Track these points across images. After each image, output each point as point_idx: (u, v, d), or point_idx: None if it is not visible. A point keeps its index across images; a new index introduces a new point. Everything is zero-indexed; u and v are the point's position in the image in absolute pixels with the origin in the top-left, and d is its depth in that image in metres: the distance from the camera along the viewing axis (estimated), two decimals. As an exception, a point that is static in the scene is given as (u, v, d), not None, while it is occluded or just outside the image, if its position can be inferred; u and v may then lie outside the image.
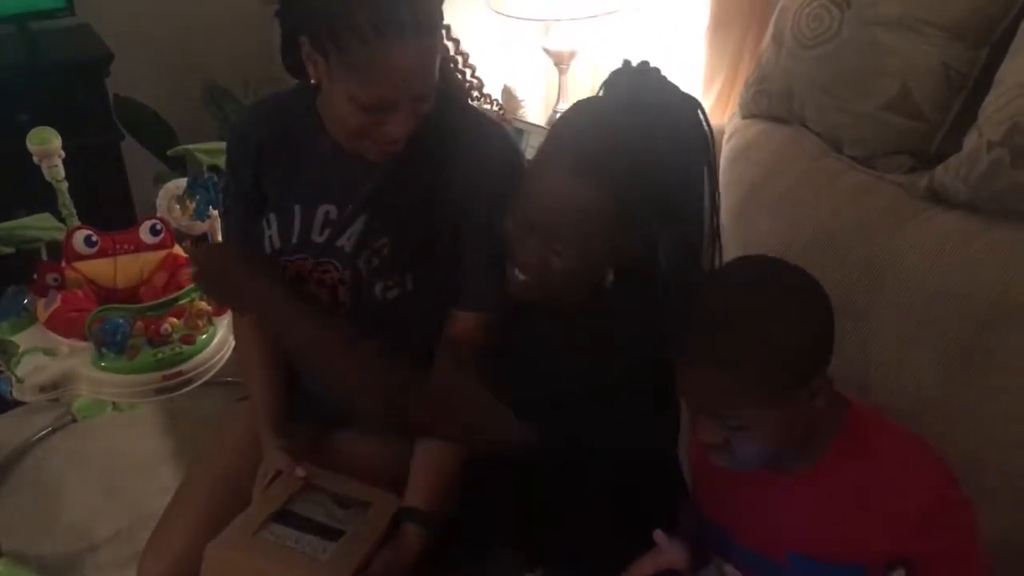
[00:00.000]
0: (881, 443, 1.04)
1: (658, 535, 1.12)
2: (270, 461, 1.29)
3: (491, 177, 1.18)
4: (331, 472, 1.30)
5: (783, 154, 1.60)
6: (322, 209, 1.27)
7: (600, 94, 1.15)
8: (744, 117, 1.79)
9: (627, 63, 1.14)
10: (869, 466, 1.02)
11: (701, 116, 1.14)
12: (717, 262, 1.20)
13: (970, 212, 1.31)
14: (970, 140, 1.31)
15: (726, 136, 1.81)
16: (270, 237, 1.30)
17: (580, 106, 1.17)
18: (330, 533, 1.19)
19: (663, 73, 1.13)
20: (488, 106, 1.36)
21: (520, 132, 2.23)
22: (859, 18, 1.47)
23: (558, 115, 2.26)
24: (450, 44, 1.27)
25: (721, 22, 1.99)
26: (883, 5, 1.44)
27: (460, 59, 1.29)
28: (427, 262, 1.24)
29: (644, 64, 1.14)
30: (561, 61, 2.26)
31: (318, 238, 1.28)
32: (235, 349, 1.48)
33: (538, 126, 2.19)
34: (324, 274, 1.29)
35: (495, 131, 1.26)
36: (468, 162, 1.20)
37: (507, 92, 2.41)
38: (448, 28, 1.24)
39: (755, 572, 1.12)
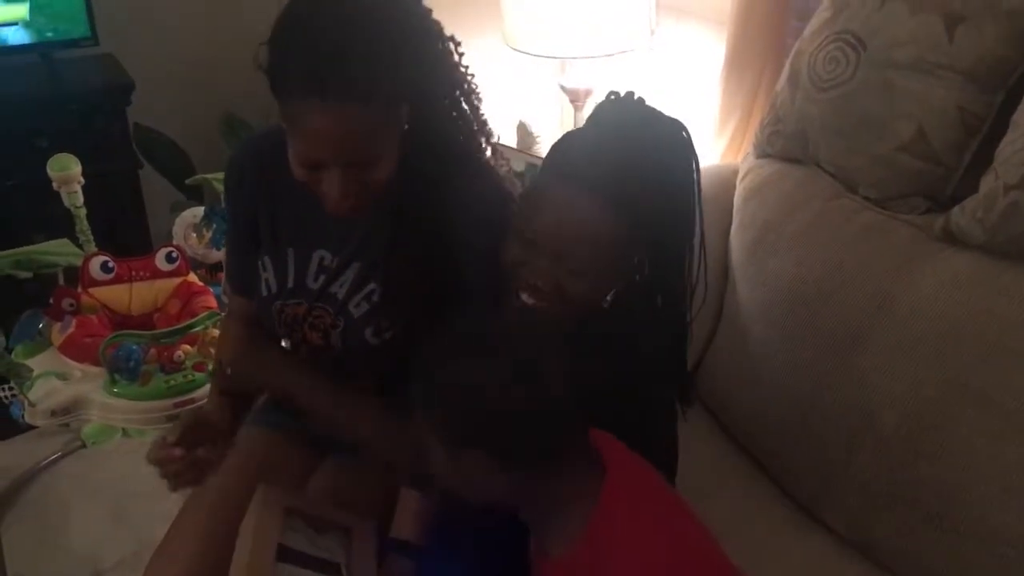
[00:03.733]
0: (634, 523, 0.94)
1: None
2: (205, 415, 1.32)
3: (482, 232, 1.17)
4: (302, 492, 1.31)
5: (797, 194, 1.61)
6: (317, 255, 1.29)
7: (590, 124, 1.17)
8: (758, 157, 1.80)
9: (613, 94, 1.17)
10: (620, 557, 0.91)
11: (686, 136, 1.17)
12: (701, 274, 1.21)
13: (986, 254, 1.31)
14: (986, 183, 1.31)
15: (740, 175, 1.82)
16: (266, 280, 1.31)
17: (576, 135, 1.18)
18: (328, 568, 1.18)
19: (646, 102, 1.17)
20: (495, 157, 1.32)
21: (534, 168, 2.25)
22: (874, 61, 1.48)
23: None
24: (459, 92, 1.24)
25: (736, 63, 2.01)
26: (898, 49, 1.45)
27: (467, 109, 1.25)
28: (419, 307, 1.24)
29: (629, 94, 1.17)
30: (577, 99, 2.28)
31: (313, 284, 1.29)
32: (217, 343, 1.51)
33: (553, 162, 2.20)
34: (317, 319, 1.30)
35: (489, 185, 1.25)
36: (457, 211, 1.19)
37: (522, 128, 2.43)
38: (462, 76, 1.23)
39: None
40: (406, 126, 1.14)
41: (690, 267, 1.19)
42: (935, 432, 1.25)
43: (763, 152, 1.77)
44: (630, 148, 1.10)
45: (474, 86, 1.26)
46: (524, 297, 1.15)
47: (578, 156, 1.13)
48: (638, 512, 0.96)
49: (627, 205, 1.08)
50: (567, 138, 1.18)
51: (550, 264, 1.11)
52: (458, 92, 1.23)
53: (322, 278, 1.29)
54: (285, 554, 1.18)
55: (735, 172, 1.85)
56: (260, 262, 1.32)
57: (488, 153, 1.29)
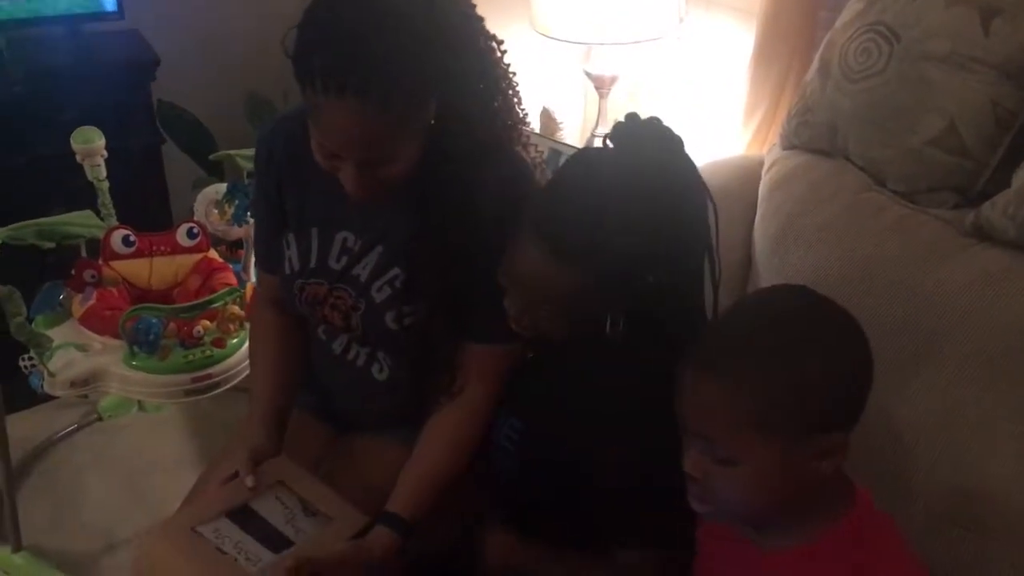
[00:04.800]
0: (884, 548, 0.94)
1: None
2: (236, 458, 1.27)
3: (504, 222, 1.16)
4: (309, 475, 1.30)
5: (824, 186, 1.59)
6: (340, 235, 1.29)
7: (609, 145, 1.14)
8: (784, 148, 1.78)
9: (632, 116, 1.13)
10: (864, 569, 0.92)
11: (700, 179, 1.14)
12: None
13: (1016, 250, 1.29)
14: (1019, 178, 1.30)
15: (765, 167, 1.80)
16: (289, 258, 1.32)
17: (578, 167, 1.15)
18: (277, 542, 1.18)
19: (666, 126, 1.12)
20: (528, 148, 1.31)
21: (558, 154, 2.24)
22: (908, 53, 1.46)
23: (597, 139, 2.29)
24: (501, 82, 1.24)
25: (765, 53, 1.99)
26: (933, 41, 1.43)
27: (501, 102, 1.24)
28: (441, 294, 1.24)
29: (652, 119, 1.12)
30: (602, 85, 2.26)
31: (335, 265, 1.29)
32: (248, 348, 1.49)
33: (575, 148, 2.20)
34: (338, 300, 1.30)
35: (516, 175, 1.24)
36: (482, 203, 1.19)
37: (546, 114, 2.42)
38: (501, 72, 1.23)
39: None
40: (432, 121, 1.14)
41: (699, 297, 1.17)
42: (958, 430, 1.23)
43: (790, 143, 1.75)
44: (625, 191, 1.07)
45: (514, 83, 1.26)
46: (510, 320, 1.17)
47: (539, 202, 1.12)
48: (888, 530, 0.97)
49: (595, 266, 1.07)
50: (567, 169, 1.16)
51: (523, 303, 1.14)
52: (493, 88, 1.22)
53: (344, 259, 1.29)
54: (242, 515, 1.19)
55: (760, 163, 1.83)
56: (285, 240, 1.32)
57: (521, 143, 1.28)
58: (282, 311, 1.41)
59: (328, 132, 1.09)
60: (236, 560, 1.13)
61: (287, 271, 1.32)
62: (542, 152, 1.34)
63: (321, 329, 1.39)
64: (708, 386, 0.91)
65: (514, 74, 1.25)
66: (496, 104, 1.23)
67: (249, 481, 1.22)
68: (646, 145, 1.10)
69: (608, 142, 1.13)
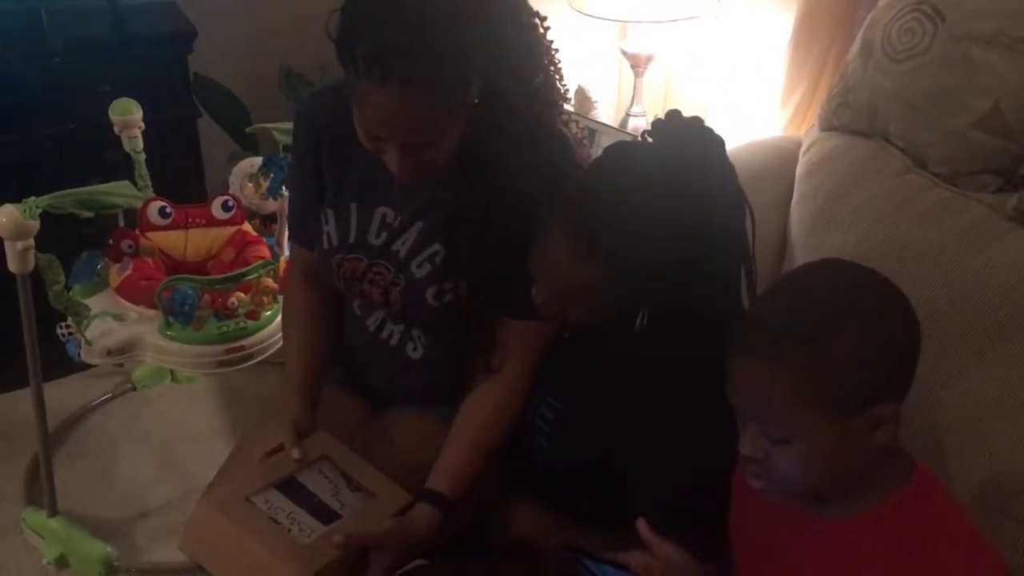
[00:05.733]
0: (941, 521, 0.94)
1: (642, 527, 1.04)
2: (278, 431, 1.28)
3: (547, 199, 1.15)
4: (352, 452, 1.31)
5: (863, 168, 1.58)
6: (379, 211, 1.29)
7: (649, 140, 1.12)
8: (823, 130, 1.76)
9: (674, 112, 1.12)
10: (920, 540, 0.92)
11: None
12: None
13: (1060, 235, 1.28)
14: (1064, 162, 1.28)
15: (803, 148, 1.79)
16: (328, 233, 1.32)
17: (613, 163, 1.13)
18: (326, 514, 1.19)
19: (708, 127, 1.10)
20: (569, 124, 1.31)
21: (592, 132, 2.23)
22: (953, 33, 1.44)
23: (632, 118, 2.28)
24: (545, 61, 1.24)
25: (805, 33, 1.97)
26: (978, 21, 1.41)
27: (543, 81, 1.24)
28: (482, 270, 1.25)
29: (695, 119, 1.11)
30: (638, 64, 2.25)
31: (375, 240, 1.29)
32: (282, 323, 1.49)
33: (610, 127, 2.19)
34: (377, 275, 1.30)
35: (559, 152, 1.23)
36: (524, 179, 1.19)
37: (580, 92, 2.41)
38: (544, 49, 1.22)
39: None
40: (475, 100, 1.14)
41: (734, 291, 1.15)
42: (998, 415, 1.22)
43: (829, 124, 1.74)
44: (658, 188, 1.06)
45: (556, 60, 1.25)
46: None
47: (580, 206, 1.10)
48: (948, 495, 0.98)
49: (619, 265, 1.07)
50: (601, 165, 1.15)
51: (549, 293, 1.14)
52: (535, 65, 1.22)
53: (384, 235, 1.29)
54: (288, 485, 1.20)
55: (798, 145, 1.82)
56: (323, 214, 1.32)
57: (563, 120, 1.28)
58: (316, 286, 1.42)
59: (372, 116, 1.10)
60: (289, 531, 1.15)
61: (325, 246, 1.33)
62: (583, 129, 1.34)
63: (356, 305, 1.40)
64: (754, 368, 0.91)
65: (556, 51, 1.25)
66: (537, 81, 1.23)
67: (296, 453, 1.23)
68: (686, 145, 1.08)
69: (647, 138, 1.12)
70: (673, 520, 1.07)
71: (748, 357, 0.92)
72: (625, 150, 1.16)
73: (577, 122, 1.31)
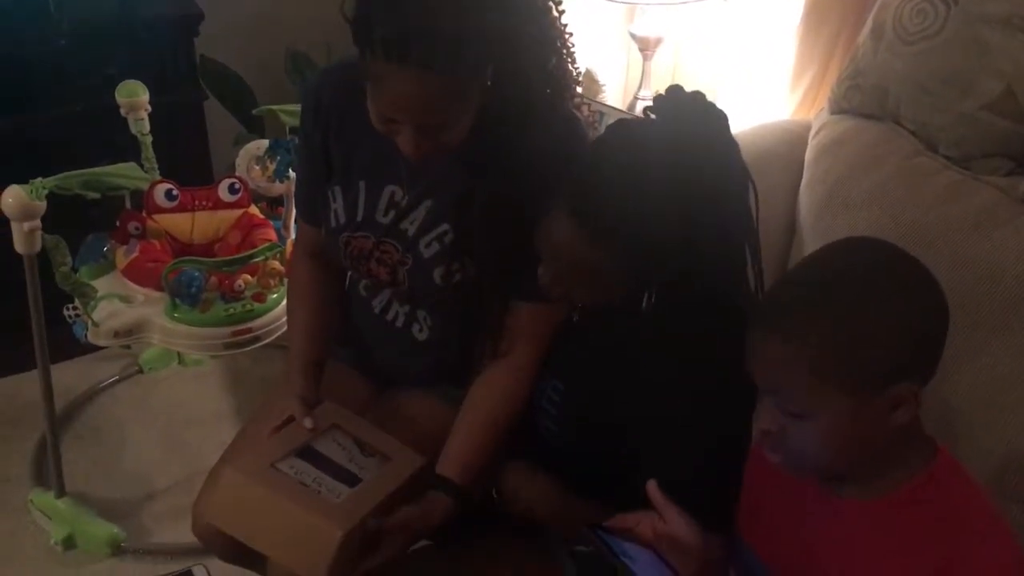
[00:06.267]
0: (963, 504, 0.93)
1: (651, 489, 1.05)
2: (287, 405, 1.29)
3: (557, 180, 1.15)
4: (361, 419, 1.32)
5: (873, 151, 1.56)
6: (388, 189, 1.28)
7: (652, 117, 1.12)
8: (833, 113, 1.75)
9: (676, 88, 1.11)
10: (943, 523, 0.92)
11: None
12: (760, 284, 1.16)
13: (1072, 219, 1.27)
14: (1076, 145, 1.27)
15: (812, 131, 1.77)
16: (335, 211, 1.31)
17: (616, 140, 1.13)
18: (348, 477, 1.20)
19: (710, 101, 1.09)
20: (580, 106, 1.32)
21: (600, 115, 2.22)
22: (965, 15, 1.43)
23: (639, 101, 2.26)
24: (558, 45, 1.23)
25: (815, 15, 1.95)
26: (991, 3, 1.40)
27: (557, 63, 1.23)
28: (491, 251, 1.24)
29: (697, 93, 1.10)
30: (647, 47, 2.23)
31: (383, 219, 1.29)
32: (286, 302, 1.50)
33: (618, 110, 2.17)
34: (384, 254, 1.29)
35: (570, 134, 1.23)
36: (534, 161, 1.18)
37: (588, 75, 2.39)
38: (558, 32, 1.22)
39: None
40: (489, 83, 1.13)
41: (739, 273, 1.15)
42: (1008, 399, 1.21)
43: (838, 108, 1.72)
44: (661, 166, 1.05)
45: (569, 43, 1.25)
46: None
47: (591, 179, 1.10)
48: (969, 478, 0.97)
49: (625, 246, 1.06)
50: (604, 142, 1.15)
51: (555, 273, 1.13)
52: (549, 49, 1.22)
53: (392, 213, 1.29)
54: (306, 452, 1.22)
55: (807, 128, 1.80)
56: (331, 192, 1.32)
57: (575, 103, 1.28)
58: (321, 265, 1.42)
59: (388, 100, 1.09)
60: (320, 493, 1.16)
61: (333, 224, 1.32)
62: (595, 112, 1.33)
63: (363, 285, 1.40)
64: (773, 342, 0.91)
65: (570, 35, 1.24)
66: (551, 65, 1.22)
67: (308, 423, 1.25)
68: (689, 121, 1.07)
69: (650, 114, 1.11)
70: (685, 500, 1.07)
71: (768, 330, 0.92)
72: (628, 128, 1.15)
73: (589, 105, 1.31)
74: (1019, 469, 1.18)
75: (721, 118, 1.09)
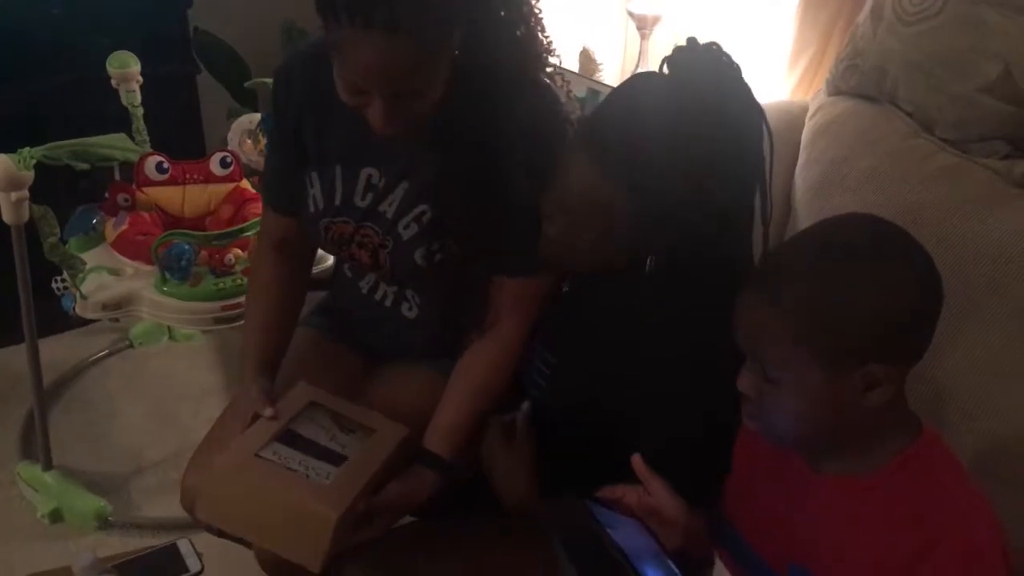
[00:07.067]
0: (944, 485, 0.93)
1: (636, 462, 1.05)
2: (248, 402, 1.25)
3: (533, 149, 1.14)
4: (338, 397, 1.30)
5: (870, 132, 1.55)
6: (364, 172, 1.26)
7: (664, 71, 1.10)
8: (830, 94, 1.73)
9: (692, 40, 1.10)
10: (923, 503, 0.91)
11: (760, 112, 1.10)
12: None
13: (1068, 202, 1.26)
14: (1075, 128, 1.26)
15: (810, 112, 1.76)
16: (313, 196, 1.29)
17: (630, 88, 1.13)
18: (332, 457, 1.19)
19: (729, 55, 1.09)
20: (556, 79, 1.26)
21: (596, 94, 2.20)
22: (966, -5, 1.41)
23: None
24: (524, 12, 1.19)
25: (814, -5, 1.94)
26: (992, -17, 1.38)
27: (526, 32, 1.19)
28: (470, 228, 1.22)
29: (712, 45, 1.09)
30: (644, 25, 2.21)
31: (361, 202, 1.27)
32: (246, 297, 1.45)
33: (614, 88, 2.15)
34: (365, 238, 1.28)
35: (544, 104, 1.20)
36: (511, 134, 1.16)
37: (585, 54, 2.38)
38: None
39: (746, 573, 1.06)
40: (457, 52, 1.10)
41: (747, 234, 1.14)
42: (999, 382, 1.21)
43: (836, 89, 1.71)
44: (678, 115, 1.05)
45: (536, 10, 1.21)
46: (541, 250, 1.16)
47: (610, 122, 1.09)
48: (952, 458, 0.97)
49: (645, 185, 1.05)
50: (621, 91, 1.14)
51: (563, 223, 1.11)
52: (516, 16, 1.18)
53: (370, 196, 1.27)
54: (287, 437, 1.19)
55: (804, 109, 1.79)
56: (307, 177, 1.29)
57: (547, 72, 1.24)
58: (285, 258, 1.39)
59: (354, 67, 1.05)
60: (308, 476, 1.14)
61: (311, 209, 1.30)
62: (569, 82, 1.30)
63: (347, 267, 1.38)
64: (759, 304, 0.91)
65: (537, 0, 1.21)
66: (519, 33, 1.19)
67: (268, 412, 1.21)
68: (704, 69, 1.07)
69: (665, 67, 1.10)
70: (674, 472, 1.07)
71: (756, 292, 0.92)
72: (645, 74, 1.17)
73: (563, 75, 1.28)
74: (1007, 451, 1.17)
75: (735, 67, 1.09)
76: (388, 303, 1.37)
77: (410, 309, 1.37)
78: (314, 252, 1.47)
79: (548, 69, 1.24)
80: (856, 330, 0.88)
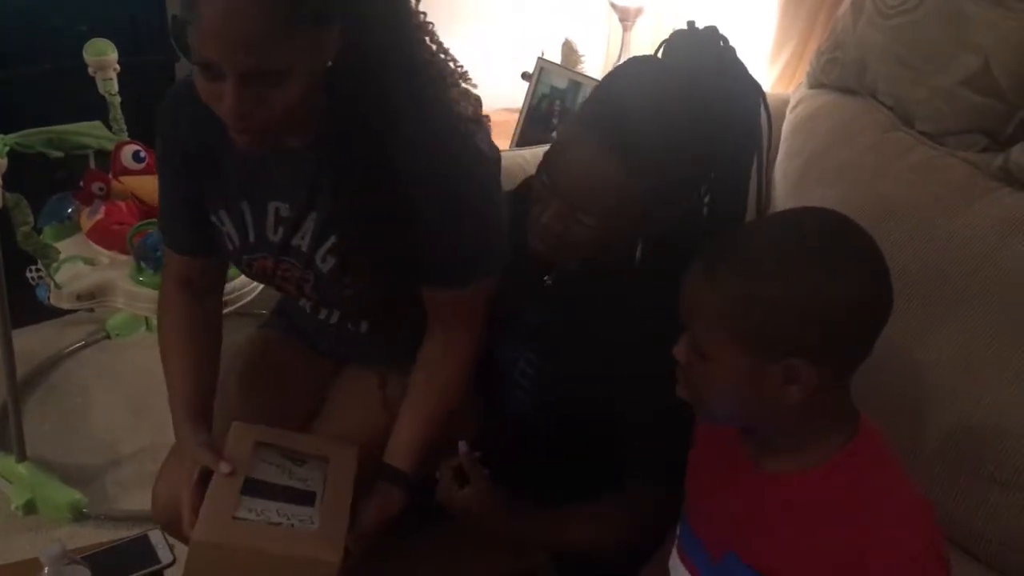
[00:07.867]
0: (879, 486, 0.93)
1: (461, 446, 1.13)
2: (195, 458, 1.18)
3: (433, 177, 1.09)
4: (280, 430, 1.24)
5: (849, 125, 1.55)
6: (271, 205, 1.19)
7: (658, 55, 1.10)
8: (811, 87, 1.74)
9: (691, 24, 1.10)
10: (854, 503, 0.91)
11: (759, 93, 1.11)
12: None
13: (1044, 195, 1.26)
14: (1052, 121, 1.26)
15: (791, 105, 1.76)
16: (228, 235, 1.23)
17: (630, 68, 1.12)
18: (302, 497, 1.15)
19: (726, 38, 1.09)
20: (461, 100, 1.18)
21: (578, 86, 2.20)
22: (946, -12, 1.41)
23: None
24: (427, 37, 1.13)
25: (796, -12, 1.94)
26: (972, -24, 1.38)
27: (421, 49, 1.12)
28: (380, 253, 1.15)
29: (709, 28, 1.09)
30: (627, 17, 2.21)
31: (273, 236, 1.21)
32: (159, 339, 1.35)
33: (596, 80, 2.15)
34: (286, 271, 1.23)
35: (441, 124, 1.12)
36: (410, 159, 1.09)
37: (567, 46, 2.37)
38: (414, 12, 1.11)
39: (688, 556, 1.08)
40: (330, 63, 1.03)
41: (741, 218, 1.13)
42: (973, 375, 1.21)
43: (817, 82, 1.71)
44: (679, 97, 1.04)
45: (435, 34, 1.14)
46: (531, 239, 1.13)
47: (614, 101, 1.07)
48: (888, 453, 0.96)
49: (650, 165, 1.03)
50: (621, 72, 1.13)
51: (560, 206, 1.08)
52: (409, 33, 1.10)
53: (281, 230, 1.20)
54: (253, 487, 1.14)
55: (785, 102, 1.79)
56: (216, 216, 1.22)
57: (451, 97, 1.16)
58: (192, 297, 1.31)
59: (207, 34, 0.94)
60: (293, 526, 1.11)
61: (229, 247, 1.24)
62: (480, 110, 1.23)
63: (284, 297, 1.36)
64: (700, 281, 0.92)
65: (432, 24, 1.14)
66: (410, 51, 1.10)
67: (224, 468, 1.14)
68: (703, 52, 1.07)
69: (661, 52, 1.11)
70: (666, 444, 1.08)
71: (700, 268, 0.93)
72: (641, 59, 1.15)
73: (474, 104, 1.19)
74: (984, 443, 1.18)
75: (732, 48, 1.09)
76: (334, 320, 1.34)
77: (358, 325, 1.33)
78: (222, 283, 1.39)
79: (453, 92, 1.16)
80: (776, 323, 0.87)
